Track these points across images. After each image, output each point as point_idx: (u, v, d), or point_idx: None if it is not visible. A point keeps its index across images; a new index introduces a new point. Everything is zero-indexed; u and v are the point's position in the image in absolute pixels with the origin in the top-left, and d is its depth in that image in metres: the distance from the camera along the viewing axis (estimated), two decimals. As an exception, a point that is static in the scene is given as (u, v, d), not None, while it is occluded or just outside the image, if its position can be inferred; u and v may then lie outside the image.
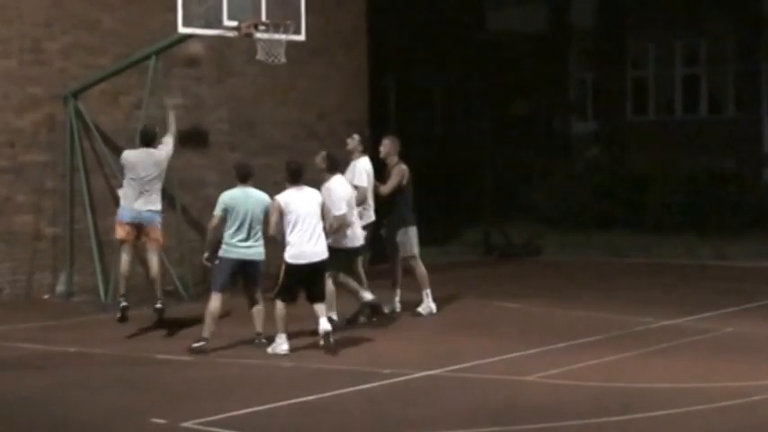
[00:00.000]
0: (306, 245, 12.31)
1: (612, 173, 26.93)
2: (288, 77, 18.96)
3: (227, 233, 12.53)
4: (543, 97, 30.27)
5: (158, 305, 13.69)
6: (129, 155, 14.00)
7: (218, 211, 12.57)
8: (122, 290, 13.79)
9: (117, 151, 17.05)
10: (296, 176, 12.52)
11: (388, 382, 11.00)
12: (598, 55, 30.37)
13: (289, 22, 14.90)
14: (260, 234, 12.62)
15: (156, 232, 13.82)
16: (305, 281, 12.45)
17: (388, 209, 14.81)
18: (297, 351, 12.48)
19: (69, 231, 16.77)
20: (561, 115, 30.97)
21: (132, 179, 13.75)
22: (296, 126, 19.80)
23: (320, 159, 13.62)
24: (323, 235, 12.49)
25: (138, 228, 13.73)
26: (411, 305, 14.82)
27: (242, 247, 12.50)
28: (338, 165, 13.71)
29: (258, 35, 14.79)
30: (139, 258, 17.77)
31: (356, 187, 14.15)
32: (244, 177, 12.79)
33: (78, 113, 16.62)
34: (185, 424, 9.43)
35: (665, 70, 29.74)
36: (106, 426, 9.62)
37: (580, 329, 13.71)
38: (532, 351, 12.46)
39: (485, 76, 28.87)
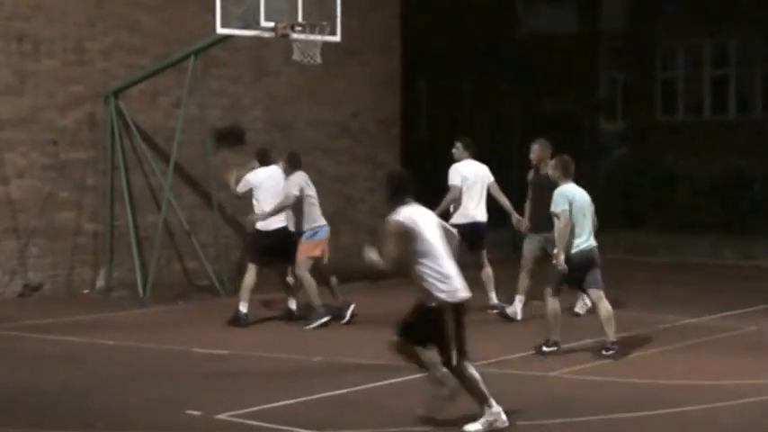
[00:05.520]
0: None
1: (640, 172, 27.01)
2: (323, 77, 19.24)
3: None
4: (573, 97, 30.33)
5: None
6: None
7: (567, 206, 12.20)
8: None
9: (156, 149, 17.44)
10: None
11: (414, 377, 10.94)
12: (628, 56, 30.43)
13: (324, 23, 15.12)
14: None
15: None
16: None
17: None
18: (327, 346, 12.75)
19: (109, 228, 17.05)
20: (591, 115, 31.03)
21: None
22: (330, 125, 20.05)
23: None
24: None
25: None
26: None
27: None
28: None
29: (294, 36, 15.01)
30: (178, 254, 18.05)
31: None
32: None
33: (119, 112, 16.88)
34: (220, 416, 9.55)
35: (694, 71, 29.75)
36: (142, 416, 9.75)
37: (606, 327, 13.90)
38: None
39: (515, 76, 28.99)
